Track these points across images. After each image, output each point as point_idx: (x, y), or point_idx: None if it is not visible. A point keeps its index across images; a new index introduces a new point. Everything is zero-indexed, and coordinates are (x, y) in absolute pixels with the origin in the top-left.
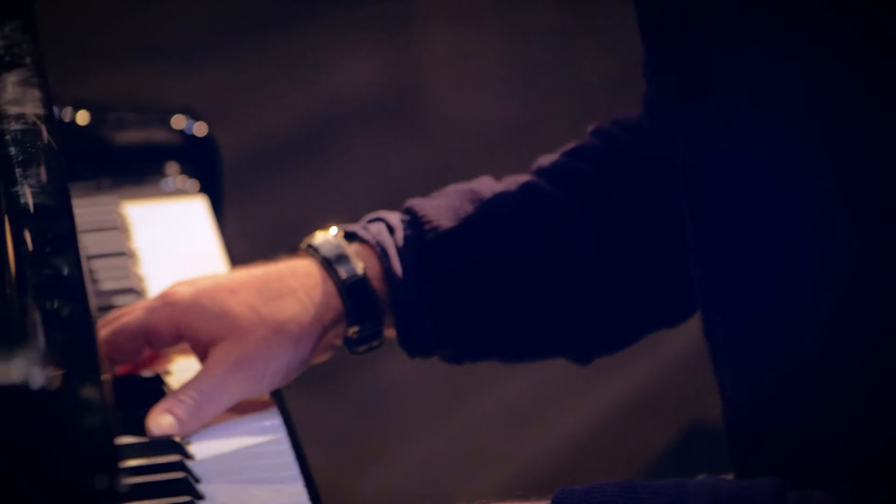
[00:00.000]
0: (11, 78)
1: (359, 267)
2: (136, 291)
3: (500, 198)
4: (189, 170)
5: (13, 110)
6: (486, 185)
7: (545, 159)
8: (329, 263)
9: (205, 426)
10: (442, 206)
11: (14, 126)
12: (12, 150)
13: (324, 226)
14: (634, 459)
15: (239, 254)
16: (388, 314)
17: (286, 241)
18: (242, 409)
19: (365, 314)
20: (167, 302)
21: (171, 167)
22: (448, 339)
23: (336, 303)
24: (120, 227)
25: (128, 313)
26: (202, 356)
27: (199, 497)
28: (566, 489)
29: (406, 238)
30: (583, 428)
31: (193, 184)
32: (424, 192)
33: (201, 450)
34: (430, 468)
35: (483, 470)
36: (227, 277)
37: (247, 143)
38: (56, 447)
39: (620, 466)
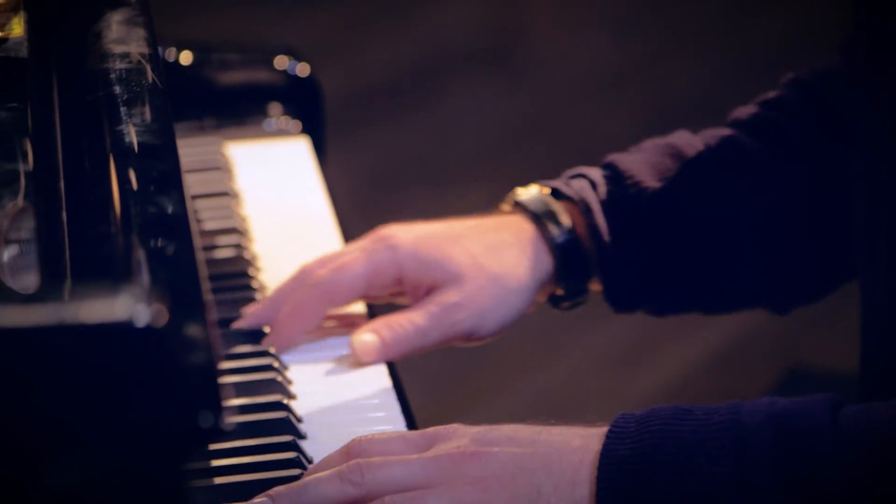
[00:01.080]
0: (116, 17)
1: (568, 226)
2: (239, 231)
3: (700, 152)
4: (291, 110)
5: (118, 49)
6: (685, 140)
7: (742, 111)
8: (540, 221)
9: (404, 357)
10: (643, 162)
11: (119, 65)
12: (117, 90)
13: (425, 168)
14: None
15: (341, 194)
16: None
17: (388, 183)
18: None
19: (575, 272)
20: (388, 245)
21: (274, 108)
22: (652, 293)
23: (548, 260)
24: (223, 168)
25: (345, 254)
26: (417, 299)
27: (301, 436)
28: (625, 414)
29: (609, 194)
30: (682, 371)
31: (296, 124)
32: (525, 135)
33: (302, 389)
34: (530, 411)
35: (583, 413)
36: (444, 226)
37: (349, 84)
38: (160, 385)
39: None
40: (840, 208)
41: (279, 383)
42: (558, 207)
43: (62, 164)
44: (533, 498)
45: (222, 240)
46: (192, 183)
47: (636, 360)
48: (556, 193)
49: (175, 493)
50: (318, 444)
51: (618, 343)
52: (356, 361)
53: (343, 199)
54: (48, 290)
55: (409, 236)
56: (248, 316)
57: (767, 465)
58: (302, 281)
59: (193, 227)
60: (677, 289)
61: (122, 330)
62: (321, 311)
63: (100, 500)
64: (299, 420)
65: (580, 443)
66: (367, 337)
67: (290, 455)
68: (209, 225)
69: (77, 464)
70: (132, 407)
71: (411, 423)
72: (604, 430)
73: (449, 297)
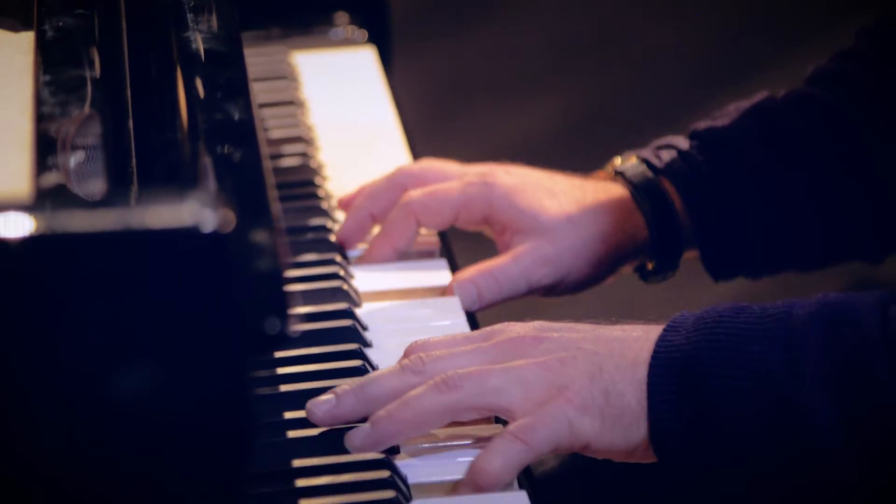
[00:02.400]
0: None
1: (666, 200)
2: (304, 140)
3: (785, 113)
4: (358, 20)
5: None
6: (768, 103)
7: (818, 68)
8: (639, 193)
9: (492, 306)
10: (730, 129)
11: None
12: None
13: (492, 80)
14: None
15: (407, 104)
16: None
17: (454, 94)
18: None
19: (670, 246)
20: (486, 182)
21: (341, 17)
22: (751, 258)
23: (642, 234)
24: (289, 77)
25: (442, 176)
26: (502, 243)
27: (367, 345)
28: (683, 312)
29: (701, 164)
30: (744, 285)
31: (362, 34)
32: (592, 49)
33: (368, 297)
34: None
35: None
36: (546, 178)
37: None
38: (227, 291)
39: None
40: None
41: (345, 291)
42: (656, 180)
43: (129, 72)
44: (595, 374)
45: (288, 149)
46: (258, 92)
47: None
48: (649, 165)
49: (240, 400)
50: (384, 353)
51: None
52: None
53: (409, 109)
54: (115, 197)
55: (508, 179)
56: (342, 231)
57: (816, 352)
58: (394, 186)
59: (260, 134)
60: (774, 251)
61: (189, 235)
62: (411, 232)
63: (166, 407)
64: (365, 328)
65: (640, 334)
66: (466, 287)
67: (356, 363)
68: (275, 134)
69: (143, 370)
70: (198, 313)
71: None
72: (661, 326)
73: (533, 250)
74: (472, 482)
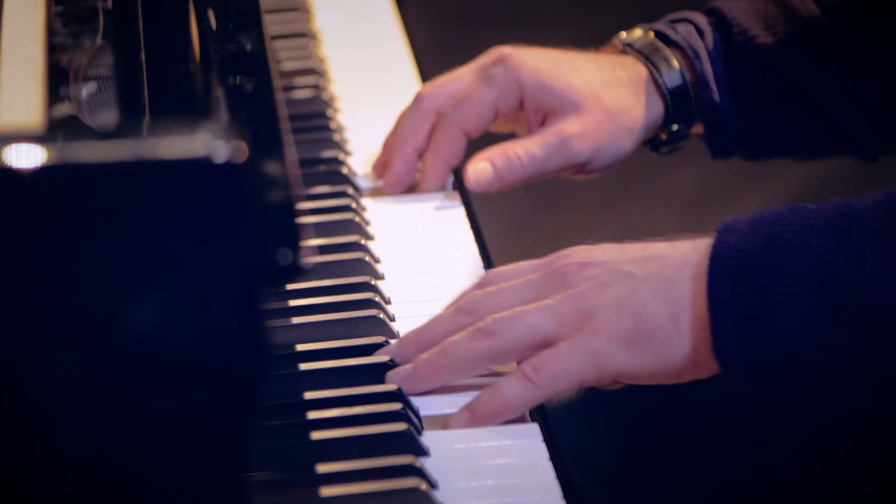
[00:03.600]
0: None
1: (680, 71)
2: (316, 72)
3: (803, 6)
4: None
5: None
6: None
7: None
8: (654, 64)
9: (517, 185)
10: (748, 10)
11: None
12: None
13: (504, 9)
14: None
15: (419, 35)
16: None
17: (466, 24)
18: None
19: (682, 117)
20: (509, 67)
21: None
22: (751, 139)
23: (659, 104)
24: (300, 8)
25: (461, 80)
26: (535, 124)
27: (379, 277)
28: (735, 217)
29: (715, 41)
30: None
31: None
32: None
33: (381, 230)
34: None
35: None
36: (564, 54)
37: None
38: (239, 222)
39: None
40: None
41: (357, 224)
42: (668, 52)
43: (141, 2)
44: (626, 298)
45: (300, 80)
46: (270, 23)
47: (715, 201)
48: (662, 37)
49: (253, 332)
50: (395, 285)
51: (695, 185)
52: (470, 184)
53: (421, 40)
54: (127, 128)
55: (530, 59)
56: (392, 175)
57: (881, 241)
58: (425, 113)
59: (272, 66)
60: (775, 136)
61: (201, 166)
62: (461, 145)
63: (179, 339)
64: (377, 261)
65: (688, 246)
66: (481, 167)
67: (368, 295)
68: (287, 66)
69: (155, 302)
70: (211, 245)
71: (488, 264)
72: (714, 235)
73: (569, 127)
74: (468, 416)
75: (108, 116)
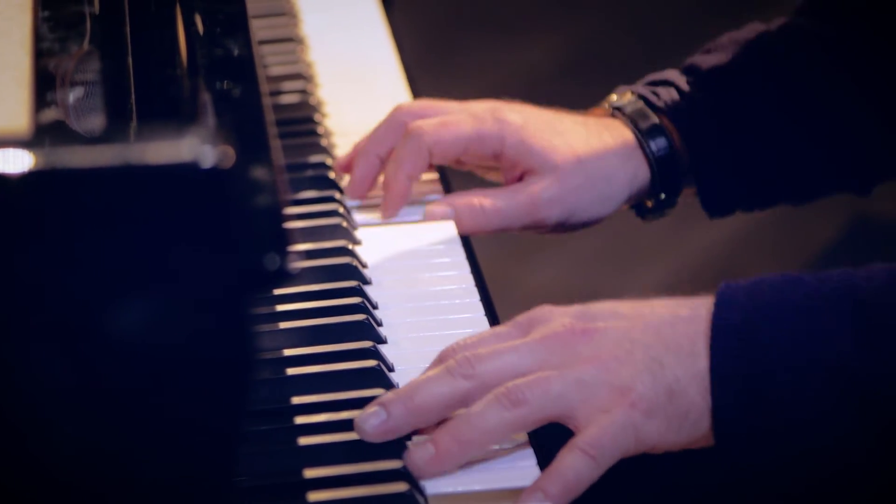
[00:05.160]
0: None
1: (668, 139)
2: (304, 77)
3: (780, 48)
4: None
5: None
6: (764, 36)
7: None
8: (640, 132)
9: (478, 233)
10: (725, 63)
11: None
12: None
13: (491, 16)
14: (799, 253)
15: (407, 41)
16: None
17: (454, 30)
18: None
19: (670, 185)
20: (498, 118)
21: None
22: (747, 193)
23: (645, 173)
24: (288, 13)
25: (444, 111)
26: (511, 180)
27: (366, 282)
28: (730, 284)
29: (697, 101)
30: (743, 222)
31: None
32: None
33: (367, 234)
34: (593, 261)
35: (646, 263)
36: (552, 116)
37: None
38: (226, 227)
39: (783, 261)
40: None
41: (345, 229)
42: (656, 119)
43: (128, 7)
44: (656, 371)
45: (288, 85)
46: (258, 29)
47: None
48: (646, 102)
49: (240, 337)
50: (383, 289)
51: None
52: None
53: (408, 46)
54: (114, 133)
55: (517, 117)
56: (353, 180)
57: (891, 328)
58: (397, 125)
59: (259, 71)
60: (769, 184)
61: (188, 171)
62: (424, 160)
63: (166, 344)
64: (364, 265)
65: (689, 313)
66: (441, 208)
67: (355, 300)
68: (275, 71)
69: (143, 307)
70: (197, 249)
71: (476, 269)
72: (709, 300)
73: (543, 189)
74: (544, 490)
75: (95, 121)
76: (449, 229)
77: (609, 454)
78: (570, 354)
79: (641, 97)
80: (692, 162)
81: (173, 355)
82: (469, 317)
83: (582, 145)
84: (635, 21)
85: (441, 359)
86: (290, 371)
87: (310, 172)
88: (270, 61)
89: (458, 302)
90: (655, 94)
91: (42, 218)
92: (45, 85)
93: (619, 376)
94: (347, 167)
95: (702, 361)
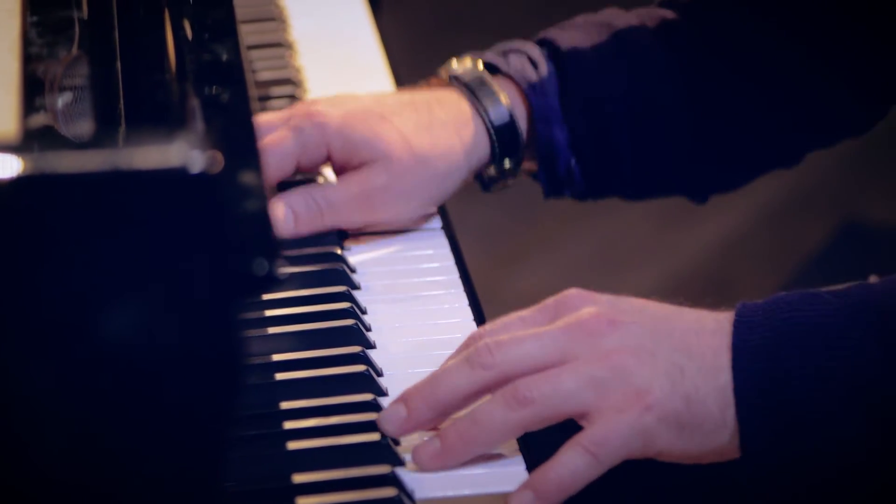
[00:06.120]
0: None
1: (507, 106)
2: (293, 82)
3: (637, 32)
4: None
5: None
6: (622, 19)
7: None
8: (478, 100)
9: (311, 233)
10: (581, 40)
11: None
12: None
13: (479, 18)
14: (789, 257)
15: (395, 45)
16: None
17: (442, 33)
18: None
19: (511, 153)
20: (316, 123)
21: None
22: (582, 176)
23: (485, 142)
24: (277, 18)
25: (267, 128)
26: (339, 172)
27: (355, 287)
28: (746, 304)
29: (549, 73)
30: (734, 226)
31: None
32: None
33: (357, 242)
34: (582, 266)
35: (634, 268)
36: (376, 101)
37: None
38: (215, 232)
39: (774, 265)
40: (770, 93)
41: (333, 234)
42: (496, 86)
43: (117, 13)
44: (676, 378)
45: (277, 90)
46: (247, 34)
47: (685, 216)
48: (492, 68)
49: (229, 341)
50: (372, 294)
51: (672, 198)
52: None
53: (396, 49)
54: (102, 138)
55: (337, 112)
56: None
57: None
58: None
59: (248, 76)
60: (606, 173)
61: (177, 176)
62: None
63: (154, 350)
64: (353, 270)
65: (714, 325)
66: (277, 210)
67: (344, 305)
68: (264, 76)
69: (131, 312)
70: (186, 255)
71: (464, 273)
72: (731, 314)
73: (374, 179)
74: (531, 496)
75: (84, 126)
76: (437, 234)
77: (614, 454)
78: (593, 346)
79: (488, 63)
80: (536, 131)
81: (162, 360)
82: (458, 321)
83: (410, 125)
84: None
85: (467, 344)
86: (279, 376)
87: (298, 177)
88: (259, 66)
89: (447, 307)
90: (506, 60)
91: (31, 223)
92: (33, 90)
93: (638, 377)
94: None
95: (723, 376)
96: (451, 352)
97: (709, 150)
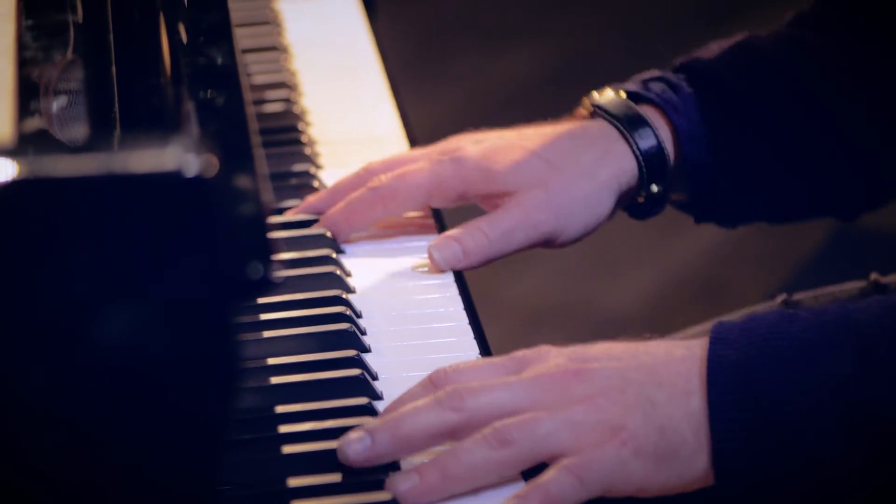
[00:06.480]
0: None
1: (653, 130)
2: (287, 86)
3: (772, 53)
4: None
5: None
6: (755, 41)
7: (798, 13)
8: (623, 126)
9: (487, 263)
10: (718, 63)
11: None
12: None
13: (475, 24)
14: (783, 262)
15: (391, 49)
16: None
17: (438, 38)
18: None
19: (658, 179)
20: (454, 158)
21: None
22: (732, 200)
23: (632, 166)
24: (272, 22)
25: (410, 161)
26: (491, 209)
27: (350, 291)
28: (721, 322)
29: (690, 96)
30: (729, 231)
31: None
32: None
33: (352, 249)
34: (577, 270)
35: (630, 272)
36: (518, 134)
37: None
38: (210, 235)
39: (768, 270)
40: None
41: (328, 238)
42: (640, 111)
43: (112, 16)
44: (648, 410)
45: (271, 94)
46: (241, 37)
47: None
48: (634, 96)
49: (224, 345)
50: (367, 298)
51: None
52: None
53: (392, 53)
54: (97, 141)
55: (477, 148)
56: (304, 205)
57: (892, 354)
58: (363, 179)
59: (243, 79)
60: (754, 195)
61: (172, 180)
62: (374, 215)
63: (150, 353)
64: (348, 274)
65: (683, 352)
66: (446, 247)
67: (339, 309)
68: (258, 79)
69: (126, 316)
70: (181, 258)
71: (459, 277)
72: (704, 340)
73: (529, 199)
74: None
75: (79, 130)
76: (431, 239)
77: (596, 479)
78: (563, 395)
79: (629, 92)
80: (683, 153)
81: (157, 363)
82: (453, 325)
83: (552, 152)
84: (621, 28)
85: (432, 382)
86: (275, 380)
87: (294, 181)
88: (254, 70)
89: (442, 310)
90: (646, 87)
91: (25, 227)
92: (28, 94)
93: (611, 415)
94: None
95: (696, 400)
96: (445, 356)
97: (858, 166)
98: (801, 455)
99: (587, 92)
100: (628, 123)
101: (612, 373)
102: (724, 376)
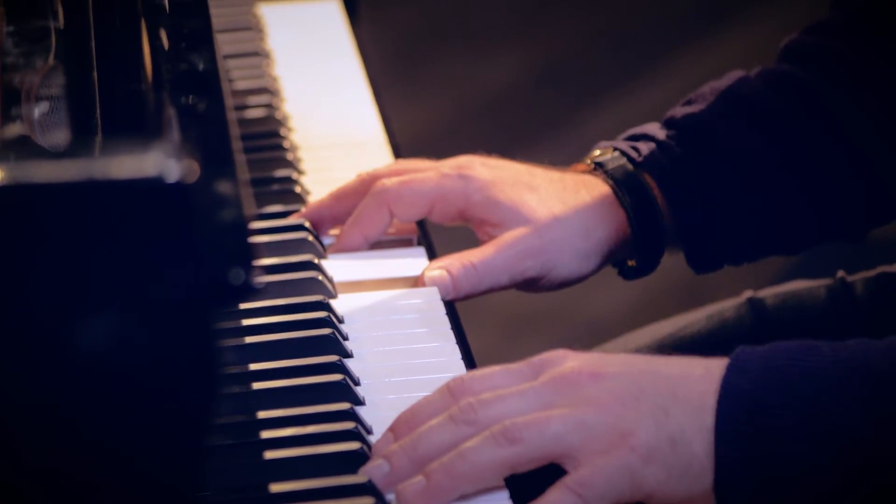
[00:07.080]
0: None
1: (647, 194)
2: (269, 91)
3: (763, 96)
4: None
5: None
6: (745, 84)
7: (790, 40)
8: (621, 189)
9: (470, 296)
10: (706, 114)
11: None
12: None
13: (458, 29)
14: (778, 265)
15: (373, 54)
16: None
17: (421, 44)
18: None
19: (651, 243)
20: (463, 175)
21: None
22: (734, 247)
23: (624, 230)
24: (254, 28)
25: (418, 171)
26: (483, 236)
27: (332, 296)
28: (745, 348)
29: (681, 157)
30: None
31: None
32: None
33: (336, 253)
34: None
35: (616, 278)
36: (525, 171)
37: None
38: (191, 241)
39: (762, 272)
40: None
41: (310, 243)
42: (637, 175)
43: (93, 22)
44: (661, 420)
45: (253, 100)
46: (223, 43)
47: None
48: (627, 158)
49: (205, 350)
50: (349, 303)
51: None
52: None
53: (374, 58)
54: (79, 147)
55: (486, 172)
56: (307, 211)
57: None
58: (367, 184)
59: (225, 85)
60: (758, 237)
61: (153, 185)
62: (383, 219)
63: (130, 359)
64: (330, 279)
65: (702, 371)
66: (436, 273)
67: (321, 314)
68: (240, 85)
69: (107, 322)
70: (162, 264)
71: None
72: (724, 361)
73: (526, 241)
74: None
75: (60, 136)
76: (416, 246)
77: (600, 495)
78: (576, 396)
79: (623, 152)
80: (676, 219)
81: (138, 369)
82: (435, 331)
83: (557, 201)
84: (607, 32)
85: (450, 390)
86: (256, 385)
87: (276, 186)
88: (236, 76)
89: (425, 316)
90: (636, 149)
91: (6, 233)
92: (9, 100)
93: (622, 420)
94: (316, 227)
95: (709, 417)
96: (428, 361)
97: (855, 191)
98: (801, 493)
99: (573, 97)
100: (628, 190)
101: (628, 380)
102: (734, 406)
